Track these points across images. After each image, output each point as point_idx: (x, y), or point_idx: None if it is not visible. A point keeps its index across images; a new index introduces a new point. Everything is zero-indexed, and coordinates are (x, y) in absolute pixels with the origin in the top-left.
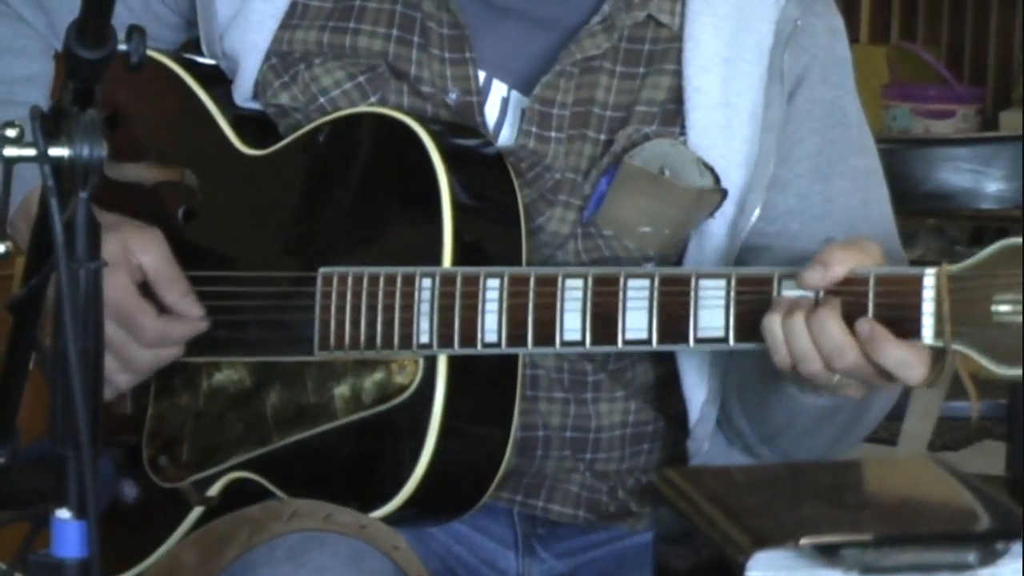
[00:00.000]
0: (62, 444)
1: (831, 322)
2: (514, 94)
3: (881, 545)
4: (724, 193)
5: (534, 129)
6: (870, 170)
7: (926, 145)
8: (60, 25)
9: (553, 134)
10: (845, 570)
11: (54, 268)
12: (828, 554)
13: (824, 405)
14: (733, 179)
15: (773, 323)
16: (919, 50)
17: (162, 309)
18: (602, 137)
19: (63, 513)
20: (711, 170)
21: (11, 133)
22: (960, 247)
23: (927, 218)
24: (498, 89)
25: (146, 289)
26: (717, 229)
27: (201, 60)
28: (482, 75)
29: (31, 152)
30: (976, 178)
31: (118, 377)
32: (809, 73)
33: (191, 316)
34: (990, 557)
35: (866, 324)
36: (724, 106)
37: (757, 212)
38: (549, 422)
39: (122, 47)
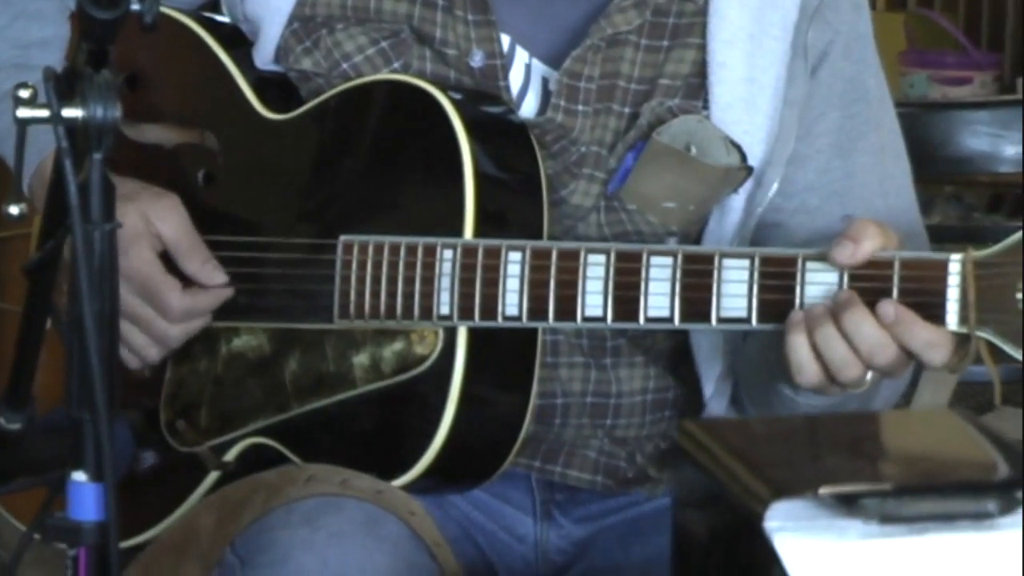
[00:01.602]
0: (78, 407)
1: (865, 321)
2: (536, 62)
3: (901, 494)
4: (750, 170)
5: (562, 103)
6: (890, 146)
7: (944, 109)
8: None
9: (580, 107)
10: (865, 520)
11: (69, 230)
12: (848, 504)
13: (825, 404)
14: (755, 154)
15: (799, 343)
16: (937, 16)
17: (184, 278)
18: (627, 110)
19: (80, 476)
20: (738, 148)
21: (24, 94)
22: (978, 213)
23: (945, 185)
24: (521, 56)
25: (168, 258)
26: (736, 203)
27: (222, 20)
28: (506, 40)
29: (44, 113)
30: (994, 142)
31: (149, 351)
32: (832, 48)
33: (214, 283)
34: (1011, 506)
35: (891, 307)
36: (748, 81)
37: (775, 187)
38: (569, 388)
39: (135, 6)
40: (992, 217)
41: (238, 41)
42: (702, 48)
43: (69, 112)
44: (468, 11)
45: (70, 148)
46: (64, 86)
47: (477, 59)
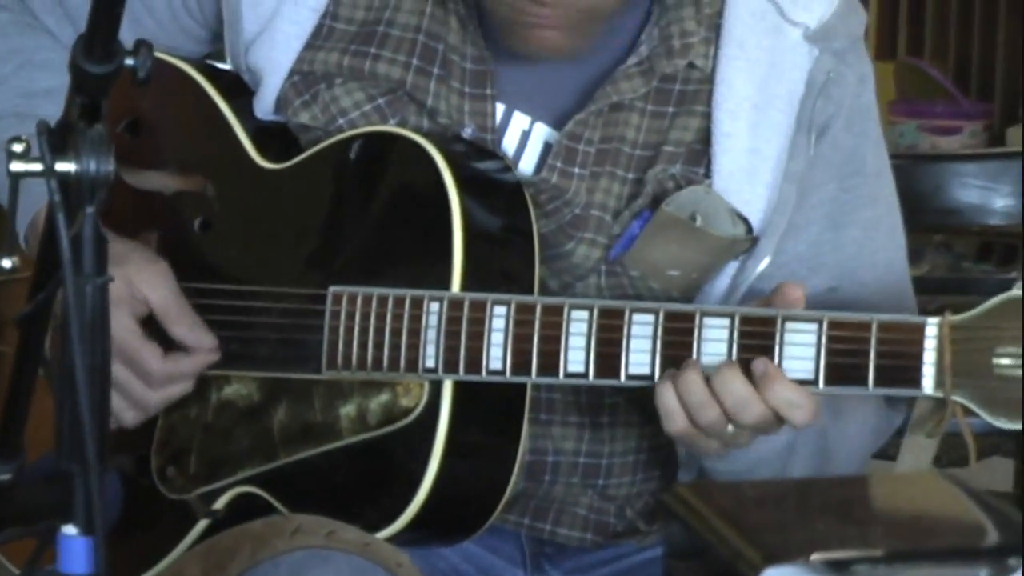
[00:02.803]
0: (69, 460)
1: (735, 377)
2: (537, 126)
3: (892, 561)
4: (755, 241)
5: (559, 164)
6: (885, 219)
7: (933, 161)
8: None
9: (576, 170)
10: None
11: (61, 282)
12: (839, 570)
13: (726, 469)
14: (751, 223)
15: (665, 390)
16: (926, 66)
17: (170, 343)
18: (630, 176)
19: (70, 529)
20: (743, 219)
21: (18, 148)
22: (967, 263)
23: (934, 234)
24: (519, 122)
25: (152, 323)
26: (727, 269)
27: (224, 68)
28: (501, 108)
29: (38, 167)
30: (983, 194)
31: (125, 415)
32: (834, 122)
33: (202, 347)
34: (1001, 572)
35: (761, 364)
36: (751, 152)
37: (768, 259)
38: (562, 447)
39: (129, 61)
40: (981, 267)
41: (239, 90)
42: (707, 116)
43: (62, 166)
44: (466, 84)
45: (63, 201)
46: (57, 139)
47: (467, 132)
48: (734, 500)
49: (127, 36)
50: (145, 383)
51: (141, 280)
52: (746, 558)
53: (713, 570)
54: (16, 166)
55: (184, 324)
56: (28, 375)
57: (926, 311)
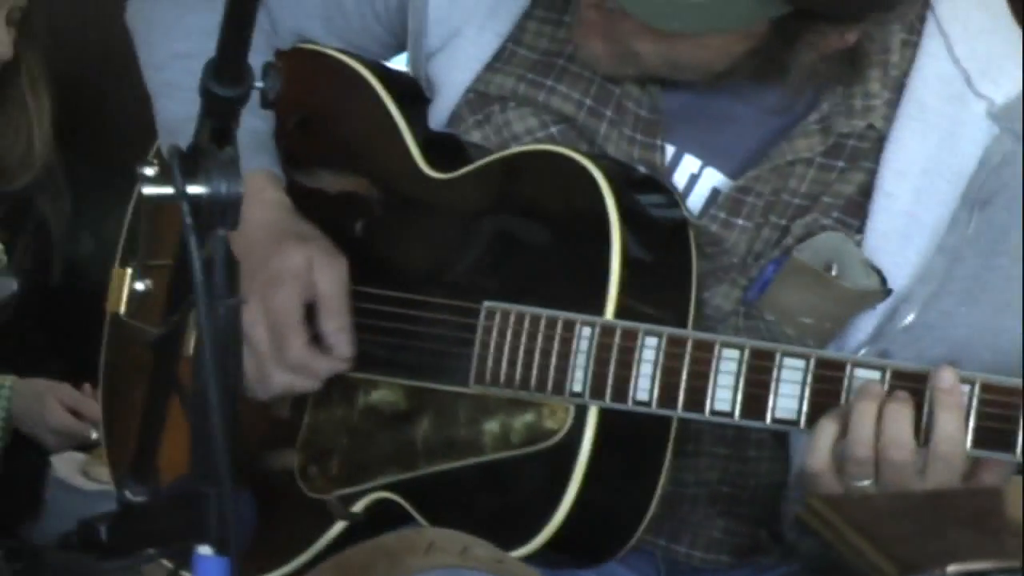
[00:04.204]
0: (203, 481)
1: (905, 416)
2: (708, 171)
3: None
4: (889, 292)
5: (722, 215)
6: (1014, 301)
7: None
8: (281, 27)
9: (740, 221)
10: None
11: (194, 305)
12: None
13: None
14: (896, 286)
15: (827, 422)
16: None
17: (316, 336)
18: (783, 222)
19: (204, 549)
20: (877, 271)
21: (149, 172)
22: None
23: None
24: (689, 164)
25: (312, 311)
26: (865, 325)
27: (403, 74)
28: (671, 150)
29: (170, 190)
30: None
31: (249, 384)
32: (996, 199)
33: (340, 353)
34: None
35: (949, 375)
36: (909, 216)
37: (907, 323)
38: (706, 477)
39: (259, 84)
40: None
41: (414, 97)
42: (872, 172)
43: (194, 189)
44: (637, 131)
45: (195, 224)
46: (189, 163)
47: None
48: (868, 513)
49: (320, 36)
50: (277, 361)
51: (320, 264)
52: (881, 570)
53: None
54: (148, 190)
55: (337, 323)
56: (161, 397)
57: None
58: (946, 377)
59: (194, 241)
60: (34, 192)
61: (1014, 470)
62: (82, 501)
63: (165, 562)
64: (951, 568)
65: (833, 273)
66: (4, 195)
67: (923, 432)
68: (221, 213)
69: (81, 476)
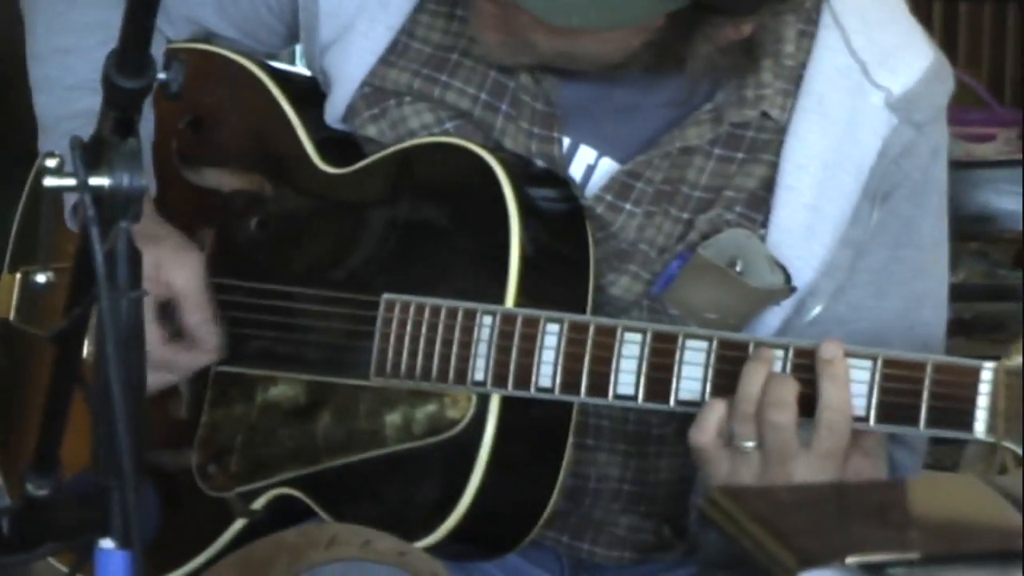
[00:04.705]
0: (105, 474)
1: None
2: (604, 160)
3: (928, 564)
4: (793, 290)
5: (608, 197)
6: (932, 293)
7: (968, 168)
8: (174, 13)
9: (628, 206)
10: None
11: (96, 298)
12: (874, 573)
13: None
14: (802, 280)
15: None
16: (960, 73)
17: (179, 332)
18: (685, 216)
19: (107, 543)
20: (783, 268)
21: (51, 163)
22: (1003, 270)
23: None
24: (585, 156)
25: (168, 309)
26: (771, 321)
27: (295, 73)
28: (567, 142)
29: (72, 182)
30: (1018, 200)
31: None
32: (897, 190)
33: (205, 345)
34: None
35: (831, 347)
36: (812, 209)
37: (813, 314)
38: (606, 473)
39: (161, 76)
40: (1017, 274)
41: (307, 95)
42: (773, 166)
43: (96, 180)
44: (535, 125)
45: (97, 216)
46: (91, 154)
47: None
48: (770, 504)
49: (214, 24)
50: None
51: (171, 263)
52: (781, 562)
53: (750, 573)
54: (50, 181)
55: (197, 316)
56: (64, 391)
57: (961, 319)
58: (828, 349)
59: (96, 233)
60: None
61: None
62: None
63: (58, 564)
64: (850, 559)
65: (738, 270)
66: None
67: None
68: (124, 205)
69: None
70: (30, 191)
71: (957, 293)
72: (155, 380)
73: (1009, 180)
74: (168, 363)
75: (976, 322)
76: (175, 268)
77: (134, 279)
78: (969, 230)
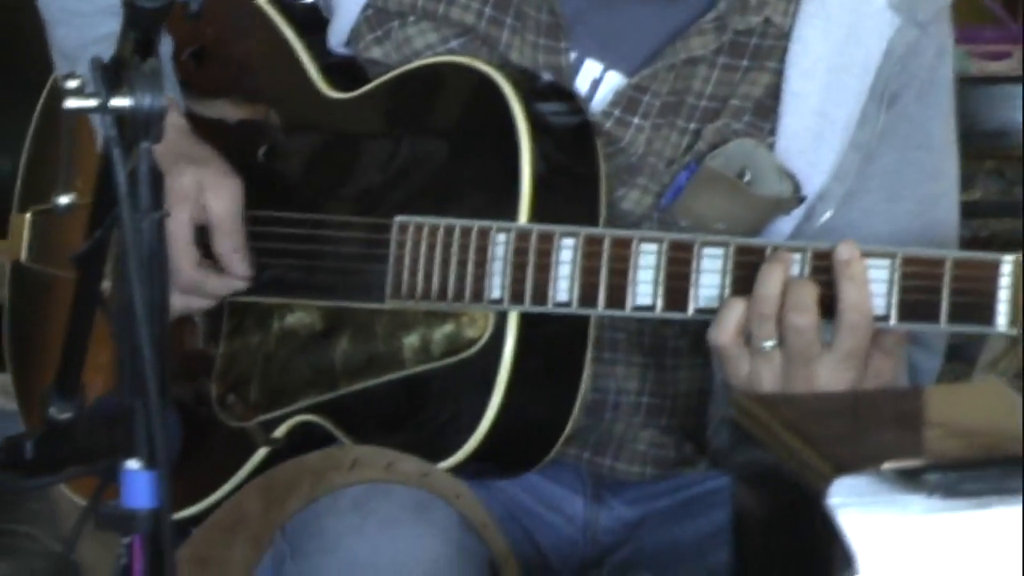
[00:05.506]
0: (130, 395)
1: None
2: (610, 74)
3: (963, 468)
4: (802, 200)
5: (616, 112)
6: (945, 195)
7: (983, 84)
8: None
9: (636, 120)
10: (927, 495)
11: (117, 219)
12: (910, 479)
13: None
14: (812, 186)
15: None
16: None
17: (209, 255)
18: (691, 126)
19: (132, 464)
20: (791, 177)
21: (72, 84)
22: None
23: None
24: (590, 69)
25: (203, 233)
26: (783, 228)
27: (296, 1)
28: (573, 55)
29: (93, 103)
30: None
31: None
32: (905, 92)
33: (235, 273)
34: None
35: (847, 248)
36: (819, 114)
37: (824, 219)
38: (625, 386)
39: None
40: None
41: (310, 22)
42: (778, 73)
43: (117, 102)
44: (540, 35)
45: (118, 137)
46: (112, 75)
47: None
48: (797, 411)
49: None
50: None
51: (212, 186)
52: (815, 468)
53: (781, 489)
54: (72, 103)
55: (231, 243)
56: (86, 313)
57: (977, 238)
58: (844, 250)
59: (118, 154)
60: None
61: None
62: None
63: (77, 500)
64: (886, 465)
65: (746, 180)
66: None
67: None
68: (145, 126)
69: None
70: (39, 125)
71: (973, 211)
72: (185, 303)
73: None
74: (197, 288)
75: (993, 240)
76: (215, 193)
77: (156, 200)
78: (984, 148)
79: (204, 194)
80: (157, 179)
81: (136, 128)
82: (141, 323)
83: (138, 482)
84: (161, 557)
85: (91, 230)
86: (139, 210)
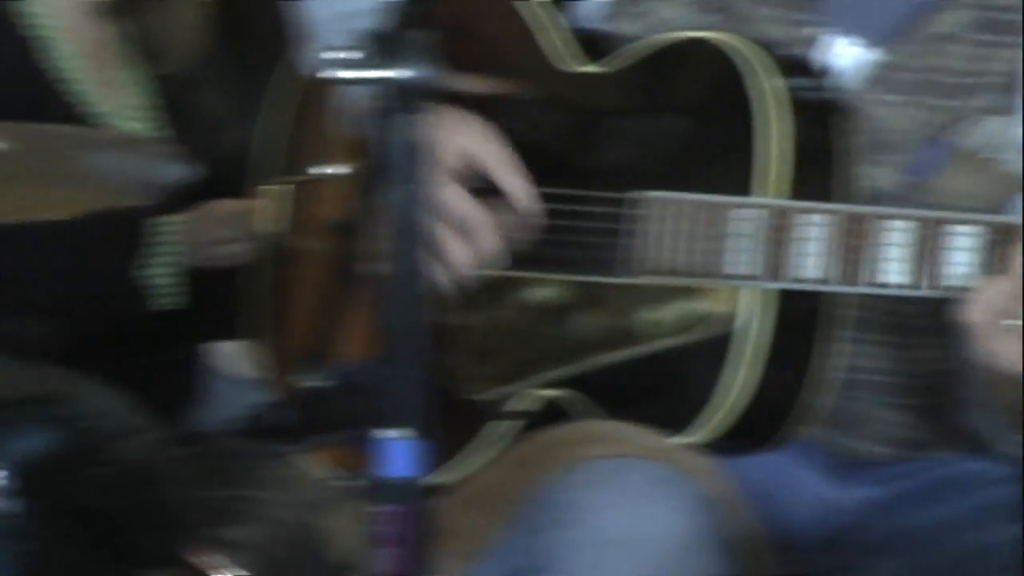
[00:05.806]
0: (390, 364)
1: None
2: (857, 48)
3: None
4: None
5: (865, 88)
6: None
7: None
8: None
9: (887, 96)
10: None
11: (383, 189)
12: None
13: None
14: None
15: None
16: None
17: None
18: (941, 103)
19: (391, 433)
20: None
21: (342, 56)
22: None
23: None
24: (838, 44)
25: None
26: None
27: None
28: (821, 29)
29: (365, 74)
30: None
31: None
32: None
33: (524, 208)
34: None
35: None
36: None
37: None
38: (871, 365)
39: None
40: None
41: None
42: (1017, 47)
43: (388, 73)
44: (793, 10)
45: (387, 108)
46: (384, 45)
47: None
48: None
49: None
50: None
51: (478, 132)
52: None
53: None
54: (343, 74)
55: (515, 175)
56: (344, 281)
57: None
58: None
59: (387, 124)
60: (195, 77)
61: None
62: (239, 388)
63: (318, 468)
64: None
65: (995, 159)
66: (167, 79)
67: None
68: (415, 97)
69: (239, 363)
70: (274, 98)
71: None
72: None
73: None
74: (477, 225)
75: None
76: (485, 135)
77: (422, 171)
78: None
79: (474, 138)
80: (425, 151)
81: (406, 99)
82: (410, 293)
83: (396, 452)
84: (420, 527)
85: (354, 200)
86: (410, 180)
